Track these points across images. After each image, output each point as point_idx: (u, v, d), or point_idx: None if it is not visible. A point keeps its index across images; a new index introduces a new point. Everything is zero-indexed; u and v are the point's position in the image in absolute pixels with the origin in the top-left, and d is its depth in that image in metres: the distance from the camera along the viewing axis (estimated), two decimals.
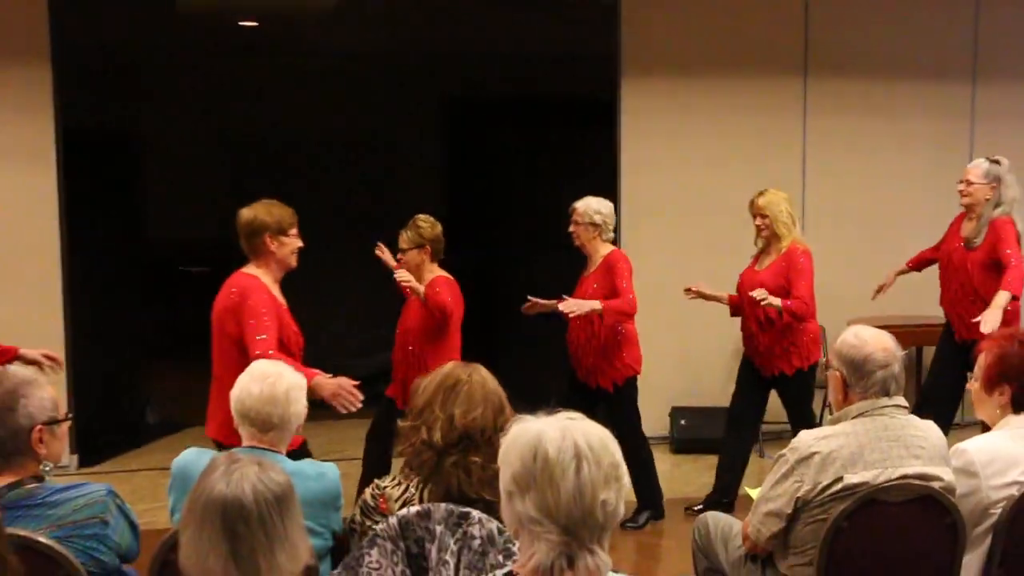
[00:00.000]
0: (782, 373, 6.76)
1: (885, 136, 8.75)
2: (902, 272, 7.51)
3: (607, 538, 2.50)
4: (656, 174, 8.40)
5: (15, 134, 7.71)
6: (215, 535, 2.45)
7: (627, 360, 6.72)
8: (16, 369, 3.64)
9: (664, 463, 7.75)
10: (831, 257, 8.44)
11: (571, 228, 6.82)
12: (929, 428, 3.91)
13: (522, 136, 11.17)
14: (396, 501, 3.36)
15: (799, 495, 3.78)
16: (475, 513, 3.13)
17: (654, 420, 8.29)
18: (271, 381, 3.80)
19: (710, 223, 8.32)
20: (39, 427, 3.47)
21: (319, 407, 4.56)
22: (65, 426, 3.63)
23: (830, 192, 8.71)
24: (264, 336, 5.02)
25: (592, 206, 6.74)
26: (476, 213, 12.05)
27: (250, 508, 2.47)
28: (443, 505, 3.16)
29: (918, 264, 7.51)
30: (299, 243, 5.37)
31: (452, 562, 3.09)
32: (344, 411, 5.03)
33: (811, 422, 6.82)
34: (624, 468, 2.49)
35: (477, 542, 3.10)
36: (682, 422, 8.38)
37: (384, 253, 6.83)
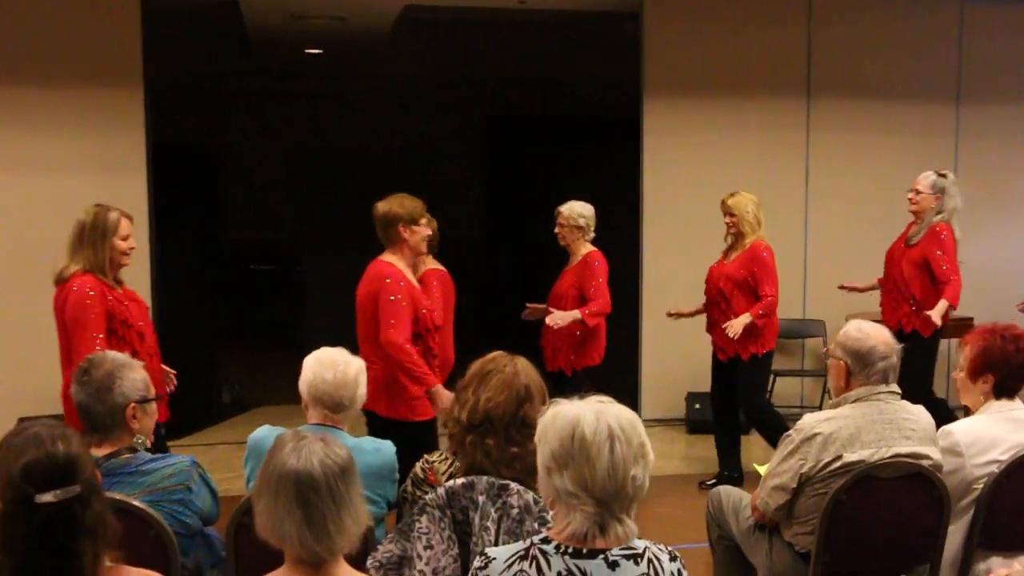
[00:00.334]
0: (737, 355, 6.72)
1: (879, 151, 8.70)
2: (870, 288, 7.39)
3: (634, 509, 2.51)
4: (675, 184, 8.39)
5: (111, 149, 7.74)
6: (289, 504, 2.47)
7: (589, 350, 6.62)
8: (113, 353, 3.65)
9: (680, 443, 7.74)
10: (831, 257, 8.45)
11: (557, 230, 6.77)
12: (919, 412, 3.89)
13: (555, 151, 11.14)
14: (443, 474, 3.35)
15: (803, 471, 3.78)
16: (513, 485, 3.13)
17: (671, 404, 8.28)
18: (342, 368, 3.80)
19: (722, 227, 8.28)
20: (132, 405, 3.49)
21: None
22: (154, 404, 3.65)
23: (829, 200, 8.68)
24: (396, 323, 5.03)
25: (576, 210, 6.70)
26: (514, 219, 12.05)
27: (319, 479, 2.48)
28: (484, 478, 3.16)
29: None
30: (428, 231, 5.40)
31: (493, 528, 3.09)
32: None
33: (757, 403, 6.79)
34: (649, 446, 2.50)
35: (515, 511, 3.10)
36: (696, 406, 8.35)
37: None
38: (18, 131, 7.67)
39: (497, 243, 12.39)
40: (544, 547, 2.48)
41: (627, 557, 2.48)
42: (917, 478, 3.72)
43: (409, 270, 5.31)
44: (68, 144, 7.71)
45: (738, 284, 6.66)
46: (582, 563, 2.45)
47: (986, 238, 8.86)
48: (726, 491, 4.31)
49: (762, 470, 4.12)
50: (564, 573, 2.45)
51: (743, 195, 6.80)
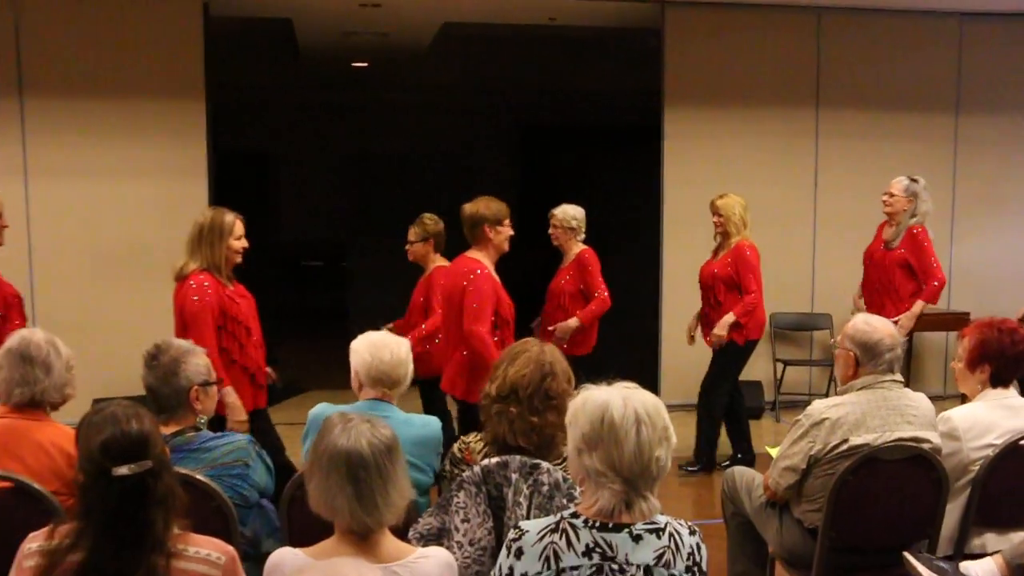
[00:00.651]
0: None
1: (883, 156, 8.64)
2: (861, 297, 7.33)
3: (657, 487, 2.51)
4: (693, 188, 8.35)
5: (176, 154, 7.79)
6: (340, 480, 2.48)
7: (580, 341, 6.51)
8: (179, 340, 3.68)
9: (695, 426, 7.70)
10: (837, 255, 8.39)
11: (550, 231, 6.75)
12: (920, 399, 3.88)
13: (582, 156, 11.14)
14: (479, 454, 3.36)
15: (812, 453, 3.77)
16: (544, 464, 3.14)
17: (689, 391, 8.22)
18: (393, 348, 3.80)
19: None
20: (195, 387, 3.52)
21: None
22: (215, 387, 3.68)
23: (837, 202, 8.63)
24: (477, 315, 5.05)
25: (569, 213, 6.68)
26: (543, 221, 12.02)
27: (368, 457, 2.49)
28: (517, 457, 3.17)
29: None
30: (511, 232, 5.41)
31: (525, 503, 3.09)
32: None
33: (718, 388, 6.70)
34: (672, 430, 2.50)
35: (546, 487, 3.11)
36: None
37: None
38: (95, 140, 7.72)
39: (528, 242, 12.36)
40: (573, 521, 2.49)
41: (650, 531, 2.48)
42: (918, 460, 3.70)
43: (492, 266, 5.32)
44: (139, 151, 7.76)
45: (724, 281, 6.62)
46: (608, 536, 2.46)
47: (982, 238, 8.81)
48: (740, 471, 4.29)
49: (774, 452, 4.10)
50: (591, 545, 2.45)
51: (731, 197, 6.75)
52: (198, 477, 3.25)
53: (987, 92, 8.92)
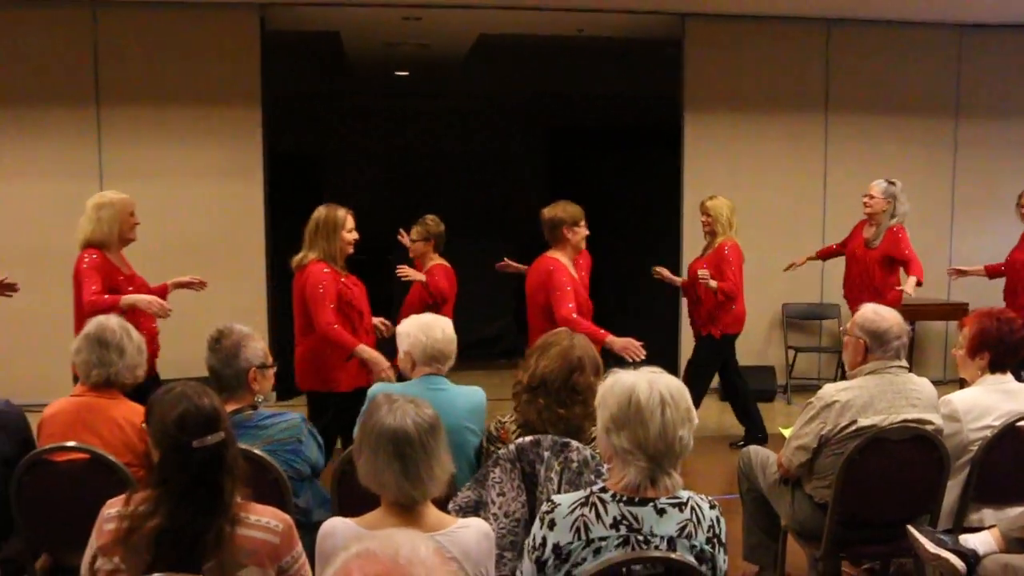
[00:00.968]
0: (699, 334, 6.70)
1: (887, 158, 8.58)
2: (811, 259, 7.37)
3: (680, 464, 2.51)
4: (711, 187, 8.27)
5: (233, 157, 7.84)
6: (388, 457, 2.49)
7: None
8: (239, 326, 3.70)
9: (713, 409, 7.69)
10: None
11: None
12: (924, 384, 3.86)
13: (607, 159, 11.09)
14: (513, 433, 3.37)
15: (822, 433, 3.76)
16: (574, 443, 3.14)
17: None
18: (442, 327, 3.82)
19: (753, 226, 8.23)
20: (254, 369, 3.54)
21: None
22: (271, 370, 3.69)
23: (845, 200, 8.52)
24: (571, 304, 5.10)
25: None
26: None
27: (413, 436, 2.50)
28: (549, 436, 3.17)
29: (824, 255, 7.40)
30: (586, 232, 5.43)
31: (556, 479, 3.10)
32: (632, 360, 5.03)
33: (699, 380, 6.58)
34: (695, 411, 2.50)
35: (575, 464, 3.11)
36: None
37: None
38: (163, 144, 7.79)
39: None
40: (602, 495, 2.49)
41: (673, 505, 2.48)
42: (921, 440, 3.69)
43: (570, 263, 5.34)
44: (201, 153, 7.82)
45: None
46: (634, 509, 2.46)
47: (980, 234, 8.72)
48: (755, 450, 4.28)
49: (786, 432, 4.10)
50: (619, 518, 2.46)
51: (720, 199, 6.72)
52: (256, 452, 3.27)
53: (984, 98, 8.86)
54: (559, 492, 3.00)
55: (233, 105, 7.86)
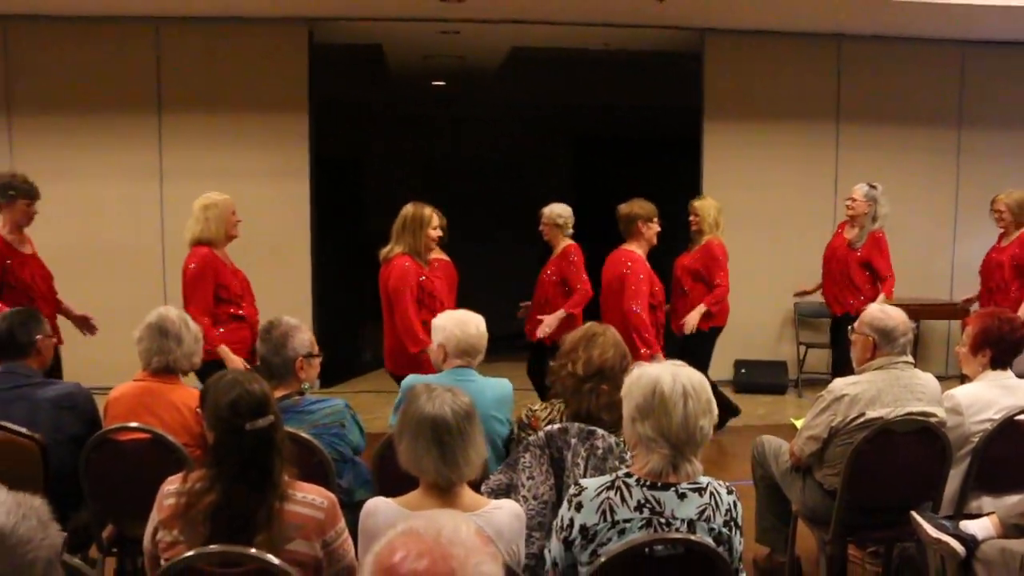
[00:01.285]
0: (679, 329, 6.54)
1: (894, 165, 8.54)
2: (816, 289, 7.17)
3: (700, 452, 2.50)
4: (729, 193, 8.27)
5: (282, 160, 7.88)
6: (427, 442, 2.50)
7: (567, 328, 6.31)
8: (287, 318, 3.72)
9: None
10: None
11: (540, 228, 6.57)
12: (928, 379, 3.83)
13: (630, 165, 11.05)
14: (543, 420, 3.37)
15: (832, 425, 3.74)
16: (599, 430, 3.14)
17: (723, 369, 8.20)
18: (476, 323, 3.82)
19: (768, 228, 8.23)
20: (301, 358, 3.56)
21: None
22: (317, 360, 3.71)
23: None
24: (635, 297, 5.08)
25: (555, 211, 6.47)
26: (594, 223, 11.96)
27: (451, 423, 2.50)
28: (576, 424, 3.17)
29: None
30: (658, 228, 5.40)
31: (582, 464, 3.09)
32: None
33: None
34: (715, 403, 2.49)
35: (600, 451, 3.10)
36: (742, 371, 8.27)
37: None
38: (218, 147, 7.86)
39: (581, 241, 12.32)
40: (627, 480, 2.49)
41: (693, 490, 2.47)
42: (925, 432, 3.66)
43: (644, 256, 5.30)
44: (252, 156, 7.87)
45: (692, 273, 6.49)
46: (657, 494, 2.46)
47: (981, 236, 8.58)
48: (768, 439, 4.26)
49: (798, 423, 4.08)
50: (642, 501, 2.45)
51: (708, 200, 6.66)
52: (302, 435, 3.28)
53: (986, 110, 8.78)
54: (585, 476, 3.00)
55: (282, 112, 7.90)
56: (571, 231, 6.50)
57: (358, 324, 9.48)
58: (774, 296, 7.23)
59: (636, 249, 5.27)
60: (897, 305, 4.14)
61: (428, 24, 8.05)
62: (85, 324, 5.51)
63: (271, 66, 7.86)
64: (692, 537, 2.43)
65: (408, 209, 5.18)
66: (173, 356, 3.63)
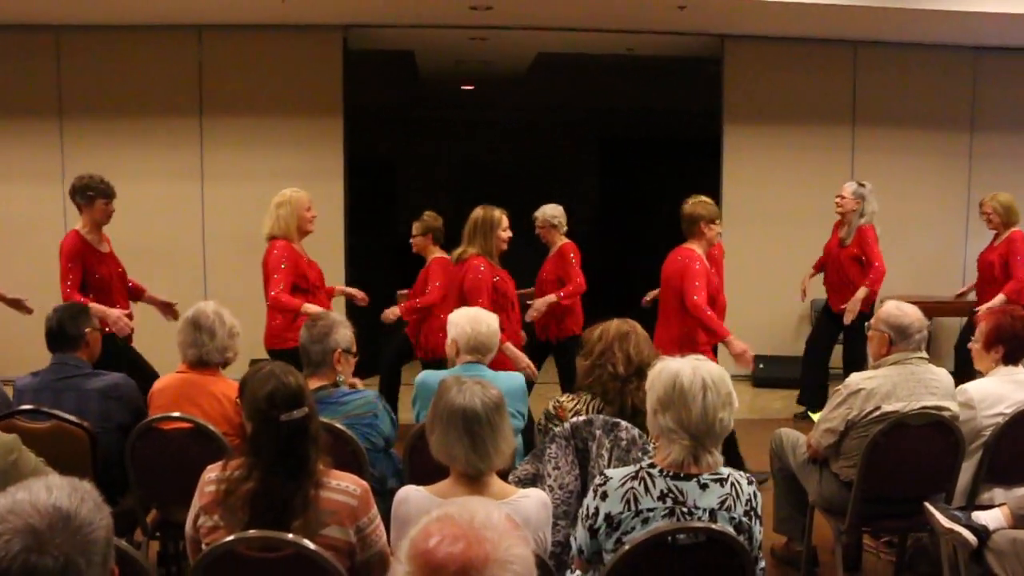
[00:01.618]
0: None
1: (908, 168, 8.47)
2: (812, 275, 7.02)
3: (720, 444, 2.48)
4: (748, 194, 8.25)
5: (317, 162, 7.90)
6: (458, 433, 2.50)
7: (569, 324, 6.25)
8: (334, 313, 3.72)
9: (747, 394, 7.62)
10: None
11: (536, 230, 6.50)
12: (942, 374, 3.80)
13: (653, 166, 11.03)
14: (569, 412, 3.36)
15: (849, 418, 3.71)
16: (623, 423, 3.13)
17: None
18: (487, 321, 3.81)
19: (785, 227, 8.17)
20: (340, 351, 3.55)
21: None
22: (354, 359, 3.68)
23: None
24: (698, 294, 5.03)
25: (548, 212, 6.40)
26: (619, 222, 11.97)
27: (481, 414, 2.50)
28: (600, 416, 3.16)
29: (818, 268, 7.05)
30: (720, 229, 5.37)
31: (606, 455, 3.09)
32: (744, 368, 5.07)
33: None
34: (735, 396, 2.47)
35: (624, 442, 3.10)
36: (760, 365, 8.18)
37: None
38: (255, 149, 7.88)
39: (607, 239, 12.33)
40: (650, 471, 2.48)
41: (715, 480, 2.46)
42: (939, 426, 3.63)
43: (705, 256, 5.28)
44: (288, 158, 7.88)
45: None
46: (680, 484, 2.44)
47: (991, 239, 8.52)
48: (786, 432, 4.23)
49: (815, 417, 4.05)
50: (665, 491, 2.44)
51: (699, 201, 6.57)
52: (337, 425, 3.29)
53: (997, 114, 8.66)
54: (609, 467, 2.99)
55: (317, 116, 7.92)
56: (566, 228, 6.47)
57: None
58: (791, 293, 7.16)
59: (696, 247, 5.22)
60: (913, 302, 4.10)
61: (458, 31, 8.04)
62: (168, 310, 5.51)
63: (307, 72, 7.87)
64: (713, 526, 2.42)
65: (478, 212, 5.16)
66: (205, 349, 3.63)
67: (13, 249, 7.41)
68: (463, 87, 11.31)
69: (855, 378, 3.77)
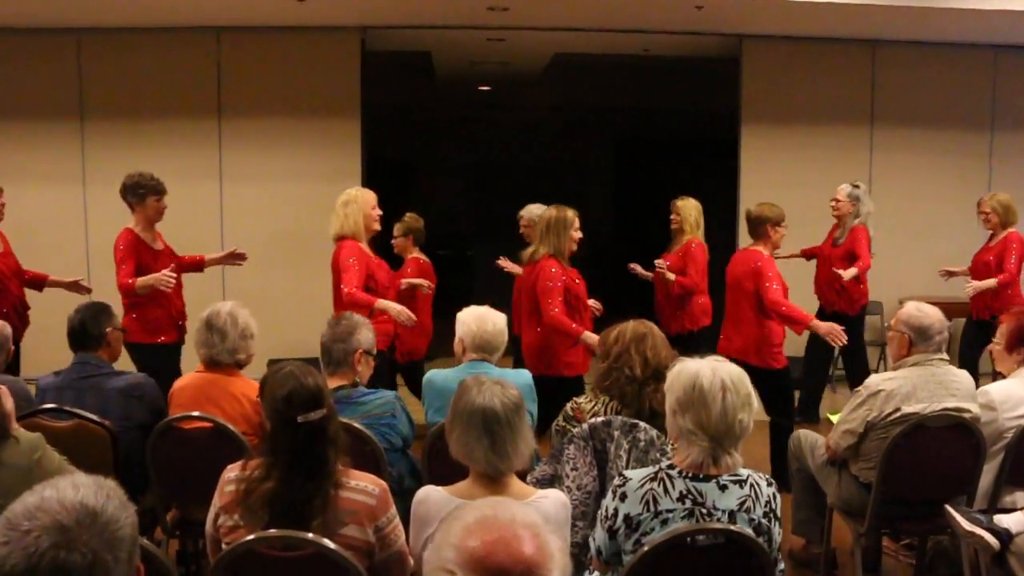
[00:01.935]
0: (667, 330, 6.45)
1: (927, 168, 8.42)
2: (799, 255, 7.08)
3: (740, 445, 2.47)
4: (764, 193, 8.15)
5: (335, 163, 7.91)
6: (478, 433, 2.49)
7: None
8: (357, 315, 3.71)
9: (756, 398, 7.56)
10: (888, 252, 8.10)
11: (522, 228, 6.49)
12: (963, 375, 3.77)
13: (669, 166, 10.99)
14: (588, 413, 3.35)
15: (869, 419, 3.69)
16: (642, 424, 3.12)
17: None
18: (495, 320, 3.82)
19: (802, 227, 8.08)
20: (361, 351, 3.56)
21: None
22: (373, 361, 3.68)
23: (887, 207, 8.32)
24: (775, 290, 5.08)
25: (534, 212, 6.33)
26: (635, 222, 11.92)
27: (501, 414, 2.50)
28: (619, 417, 3.15)
29: (806, 254, 7.10)
30: (785, 231, 5.40)
31: (625, 456, 3.08)
32: (835, 345, 5.08)
33: None
34: (755, 397, 2.46)
35: (643, 443, 3.09)
36: None
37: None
38: (274, 150, 7.89)
39: (622, 238, 12.31)
40: (670, 472, 2.47)
41: (734, 481, 2.45)
42: (959, 427, 3.60)
43: (772, 256, 5.29)
44: (306, 158, 7.91)
45: (673, 271, 6.39)
46: (699, 485, 2.44)
47: None
48: (804, 434, 4.21)
49: (834, 418, 4.03)
50: (684, 492, 2.43)
51: (690, 200, 6.55)
52: (355, 425, 3.29)
53: (1018, 113, 8.58)
54: (627, 468, 2.98)
55: (335, 116, 7.93)
56: None
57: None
58: (807, 294, 7.11)
59: (762, 249, 5.25)
60: (932, 303, 4.06)
61: (475, 32, 8.05)
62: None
63: (325, 73, 7.89)
64: (733, 528, 2.41)
65: (551, 211, 5.11)
66: (216, 349, 3.64)
67: (35, 250, 7.43)
68: (480, 88, 11.31)
69: (875, 379, 3.75)
